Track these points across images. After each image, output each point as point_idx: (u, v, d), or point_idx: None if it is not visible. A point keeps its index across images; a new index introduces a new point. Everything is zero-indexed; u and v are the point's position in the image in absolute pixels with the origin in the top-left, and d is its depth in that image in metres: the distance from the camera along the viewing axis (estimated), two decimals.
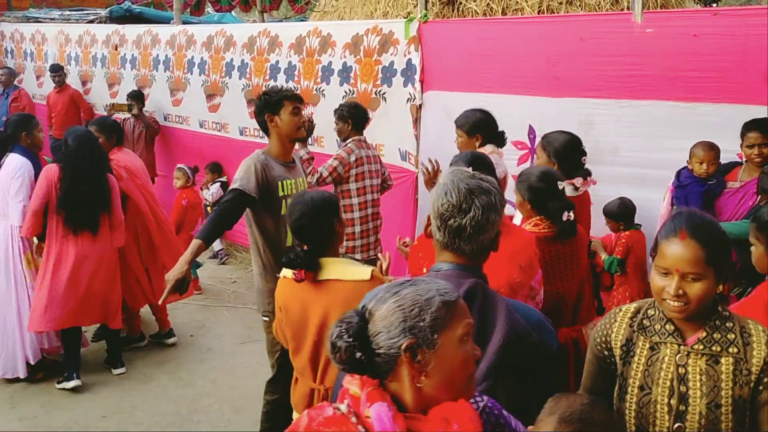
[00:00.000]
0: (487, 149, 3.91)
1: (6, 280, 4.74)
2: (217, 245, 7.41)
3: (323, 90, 6.03)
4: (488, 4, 5.47)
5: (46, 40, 9.84)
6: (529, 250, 2.79)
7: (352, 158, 4.84)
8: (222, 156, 7.23)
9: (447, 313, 1.45)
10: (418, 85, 5.22)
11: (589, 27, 4.33)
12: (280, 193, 3.54)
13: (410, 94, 5.32)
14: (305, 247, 2.72)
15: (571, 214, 3.05)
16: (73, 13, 10.57)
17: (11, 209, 4.66)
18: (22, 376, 4.77)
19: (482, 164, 2.78)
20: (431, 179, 3.90)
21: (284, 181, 3.57)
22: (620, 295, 4.28)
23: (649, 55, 4.06)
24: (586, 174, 3.73)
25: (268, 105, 3.60)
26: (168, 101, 7.81)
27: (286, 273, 2.79)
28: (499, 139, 4.04)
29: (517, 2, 5.39)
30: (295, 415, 2.99)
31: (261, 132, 5.88)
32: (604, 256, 4.25)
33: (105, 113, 8.08)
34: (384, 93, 5.54)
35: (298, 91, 6.16)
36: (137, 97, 7.66)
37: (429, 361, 1.43)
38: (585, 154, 3.74)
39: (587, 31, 4.31)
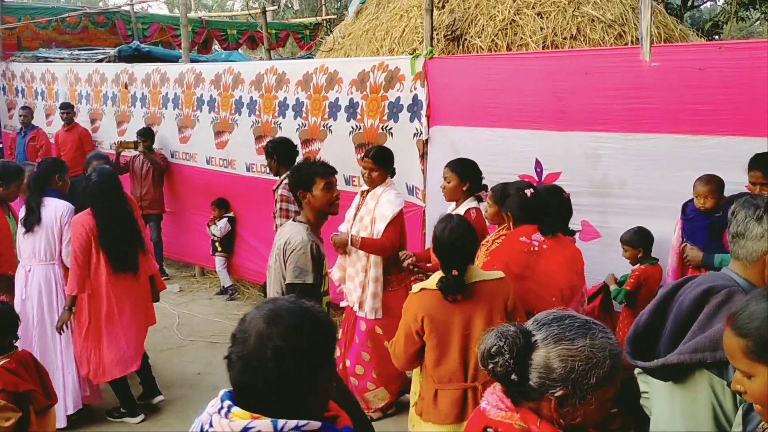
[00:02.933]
0: (388, 182, 4.55)
1: (50, 328, 4.65)
2: (226, 281, 7.41)
3: (330, 126, 6.08)
4: (493, 40, 5.53)
5: (56, 79, 9.97)
6: (581, 258, 3.40)
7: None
8: (229, 192, 7.27)
9: (609, 376, 1.49)
10: (424, 120, 5.26)
11: (595, 62, 4.37)
12: (324, 271, 3.58)
13: (417, 129, 5.35)
14: (455, 273, 2.93)
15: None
16: (83, 52, 10.72)
17: (66, 255, 4.62)
18: (61, 426, 4.59)
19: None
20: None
21: (325, 260, 3.59)
22: (626, 328, 4.24)
23: (655, 88, 4.09)
24: (486, 188, 4.25)
25: (301, 182, 3.58)
26: (176, 138, 7.88)
27: (425, 285, 3.06)
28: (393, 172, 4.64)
29: (521, 38, 5.45)
30: (437, 429, 3.03)
31: (267, 168, 5.96)
32: (612, 286, 4.22)
33: (113, 151, 8.17)
34: (390, 128, 5.58)
35: (306, 127, 6.26)
36: (146, 134, 7.72)
37: (573, 411, 1.49)
38: (482, 174, 4.25)
39: (592, 66, 4.34)
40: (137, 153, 7.70)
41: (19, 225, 4.63)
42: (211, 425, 1.46)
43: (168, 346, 6.00)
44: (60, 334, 4.58)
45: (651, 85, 4.10)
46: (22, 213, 4.67)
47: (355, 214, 4.64)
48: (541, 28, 5.44)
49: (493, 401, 1.56)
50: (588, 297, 4.24)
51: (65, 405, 4.65)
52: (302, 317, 1.48)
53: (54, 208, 4.64)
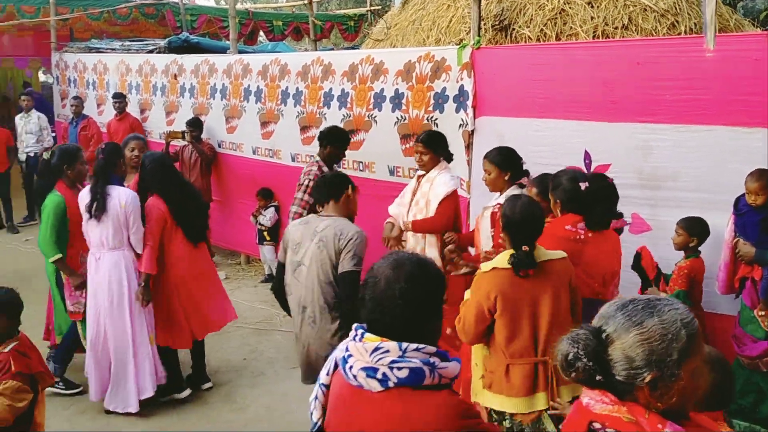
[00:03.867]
0: (443, 165, 4.59)
1: (121, 314, 4.73)
2: (268, 269, 7.51)
3: (375, 116, 6.09)
4: (542, 30, 5.47)
5: (107, 69, 10.20)
6: (620, 245, 3.62)
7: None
8: (274, 182, 7.35)
9: (690, 344, 1.50)
10: (470, 111, 5.23)
11: (647, 51, 4.28)
12: None
13: (462, 120, 5.33)
14: (525, 249, 3.05)
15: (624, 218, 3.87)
16: (134, 43, 10.92)
17: (136, 242, 4.76)
18: (134, 411, 4.73)
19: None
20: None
21: None
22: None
23: (709, 79, 4.00)
24: (528, 175, 4.26)
25: (331, 191, 3.77)
26: (223, 128, 7.99)
27: (496, 264, 3.14)
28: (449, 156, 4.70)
29: (571, 28, 5.37)
30: (513, 403, 3.14)
31: (311, 158, 6.02)
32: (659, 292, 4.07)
33: (161, 141, 8.33)
34: (436, 119, 5.56)
35: (351, 118, 6.29)
36: (195, 124, 7.84)
37: (668, 391, 1.50)
38: (521, 159, 4.23)
39: (645, 56, 4.26)
40: (186, 143, 7.84)
41: (84, 212, 4.72)
42: (347, 350, 1.81)
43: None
44: (144, 306, 4.74)
45: (705, 75, 4.02)
46: (86, 200, 4.72)
47: (411, 199, 4.70)
48: (592, 18, 5.35)
49: (595, 396, 1.57)
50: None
51: (138, 389, 4.74)
52: (420, 265, 1.83)
53: (118, 196, 4.70)
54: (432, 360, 1.72)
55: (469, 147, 5.28)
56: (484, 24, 5.64)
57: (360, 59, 6.28)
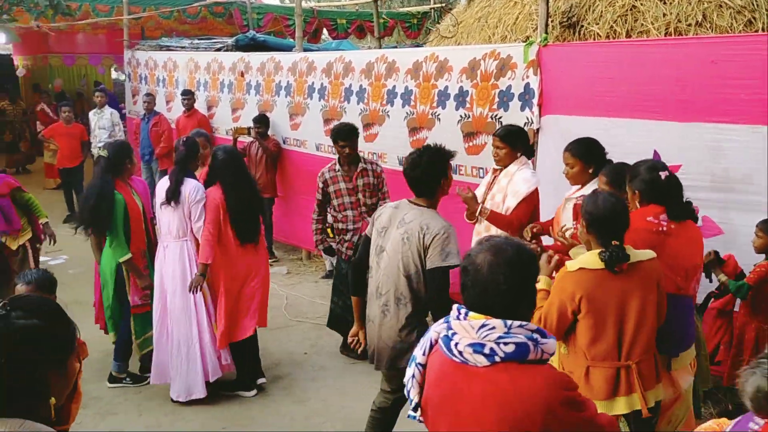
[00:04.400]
0: (522, 160, 4.47)
1: (184, 302, 4.87)
2: (329, 265, 7.58)
3: (438, 114, 6.08)
4: (611, 27, 5.34)
5: (177, 67, 10.49)
6: (702, 238, 3.52)
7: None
8: None
9: None
10: (536, 109, 5.17)
11: (723, 49, 4.15)
12: None
13: (527, 119, 5.27)
14: (615, 243, 2.99)
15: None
16: (202, 41, 11.21)
17: (197, 231, 4.88)
18: (201, 396, 4.86)
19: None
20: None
21: None
22: (749, 335, 4.03)
23: None
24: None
25: (443, 170, 3.57)
26: (287, 125, 8.12)
27: (583, 264, 3.05)
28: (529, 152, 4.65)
29: (642, 24, 5.23)
30: (600, 406, 3.03)
31: (373, 155, 6.07)
32: (723, 278, 3.97)
33: (227, 137, 8.51)
34: (500, 117, 5.51)
35: (414, 116, 6.29)
36: (261, 121, 7.99)
37: None
38: (606, 152, 4.05)
39: (720, 54, 4.12)
40: (252, 139, 7.99)
41: (158, 198, 4.88)
42: (449, 328, 1.95)
43: (276, 325, 6.20)
44: (193, 294, 4.82)
45: None
46: (164, 186, 4.90)
47: (487, 192, 4.58)
48: (664, 14, 5.19)
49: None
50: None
51: (204, 373, 4.88)
52: (519, 250, 1.94)
53: (186, 187, 4.87)
54: (535, 336, 1.85)
55: (534, 145, 5.21)
56: (552, 21, 5.55)
57: (424, 57, 6.27)
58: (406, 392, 2.13)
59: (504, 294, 1.87)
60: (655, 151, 4.45)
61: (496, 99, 5.52)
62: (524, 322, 1.86)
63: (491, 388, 1.85)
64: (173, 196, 4.81)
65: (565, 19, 5.58)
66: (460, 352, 1.89)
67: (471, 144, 5.74)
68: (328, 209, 5.55)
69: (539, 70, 5.12)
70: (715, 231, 4.23)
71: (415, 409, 2.10)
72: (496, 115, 5.53)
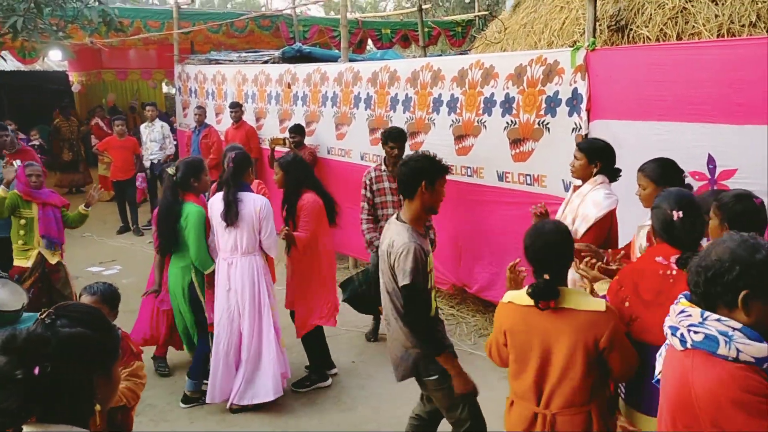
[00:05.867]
0: (597, 180, 4.06)
1: (256, 315, 4.93)
2: None
3: (485, 121, 6.04)
4: (661, 30, 5.25)
5: (225, 80, 10.68)
6: None
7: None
8: None
9: None
10: (584, 114, 5.09)
11: None
12: (428, 268, 3.53)
13: (576, 124, 5.20)
14: (547, 277, 2.80)
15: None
16: (249, 54, 11.38)
17: (268, 246, 5.00)
18: (272, 398, 4.94)
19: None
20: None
21: (429, 257, 3.55)
22: None
23: None
24: (690, 189, 3.60)
25: (427, 173, 3.49)
26: (332, 135, 8.18)
27: (513, 298, 2.95)
28: (613, 174, 4.14)
29: (693, 26, 5.12)
30: None
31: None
32: None
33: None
34: (547, 123, 5.45)
35: (460, 123, 6.27)
36: (297, 131, 8.07)
37: None
38: (683, 172, 3.71)
39: None
40: (288, 149, 8.07)
41: (218, 219, 4.85)
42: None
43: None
44: (261, 311, 4.95)
45: None
46: (219, 207, 4.86)
47: (562, 211, 4.34)
48: (716, 16, 5.08)
49: None
50: None
51: (273, 385, 4.93)
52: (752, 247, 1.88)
53: (252, 203, 4.87)
54: (731, 333, 1.84)
55: None
56: (600, 25, 5.49)
57: (469, 64, 6.25)
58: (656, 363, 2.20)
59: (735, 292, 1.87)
60: (709, 155, 4.34)
61: (543, 105, 5.46)
62: (724, 318, 1.87)
63: (679, 371, 1.95)
64: (233, 217, 4.79)
65: (613, 23, 5.51)
66: (666, 333, 2.04)
67: (518, 151, 5.69)
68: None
69: (587, 74, 5.05)
70: None
71: (657, 383, 2.20)
72: (544, 121, 5.47)
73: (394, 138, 5.84)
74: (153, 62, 16.54)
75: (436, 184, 3.50)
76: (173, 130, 12.02)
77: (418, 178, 3.46)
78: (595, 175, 4.10)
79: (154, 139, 10.66)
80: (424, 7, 10.01)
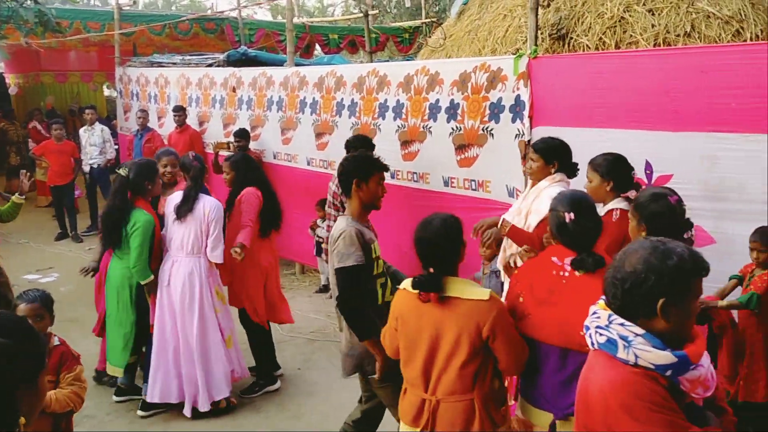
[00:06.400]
0: (556, 177, 4.02)
1: (191, 317, 4.86)
2: (324, 279, 7.55)
3: (430, 127, 6.07)
4: (600, 38, 5.37)
5: (168, 83, 10.48)
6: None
7: None
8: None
9: None
10: (527, 120, 5.16)
11: (712, 59, 4.15)
12: (374, 255, 3.64)
13: (519, 130, 5.26)
14: (431, 270, 2.86)
15: (692, 231, 3.08)
16: (193, 57, 11.20)
17: (212, 249, 4.93)
18: (204, 410, 4.88)
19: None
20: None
21: (374, 244, 3.67)
22: (758, 345, 3.98)
23: None
24: (638, 188, 3.76)
25: (360, 171, 3.69)
26: (278, 140, 8.10)
27: (407, 286, 3.00)
28: (571, 170, 4.11)
29: (631, 36, 5.26)
30: (402, 427, 3.07)
31: None
32: (723, 303, 3.92)
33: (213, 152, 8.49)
34: (491, 129, 5.51)
35: (406, 129, 6.29)
36: (242, 135, 7.96)
37: None
38: (633, 168, 3.80)
39: (710, 64, 4.13)
40: (232, 153, 7.95)
41: (172, 213, 4.86)
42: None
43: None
44: (203, 310, 4.90)
45: None
46: (176, 201, 4.89)
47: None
48: (653, 26, 5.22)
49: None
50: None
51: (209, 391, 4.88)
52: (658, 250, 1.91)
53: (204, 203, 4.89)
54: (631, 339, 1.87)
55: (525, 157, 5.20)
56: (541, 33, 5.57)
57: (415, 70, 6.28)
58: None
59: (646, 299, 1.88)
60: (647, 161, 4.45)
61: (487, 111, 5.52)
62: (628, 323, 1.90)
63: (585, 369, 2.03)
64: (184, 211, 4.81)
65: (554, 31, 5.61)
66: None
67: (463, 156, 5.74)
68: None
69: (529, 81, 5.12)
70: (707, 240, 4.21)
71: None
72: (488, 128, 5.53)
73: (355, 147, 5.74)
74: (94, 64, 16.14)
75: (369, 181, 3.68)
76: (114, 134, 11.73)
77: (349, 178, 3.68)
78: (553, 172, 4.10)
79: (93, 144, 10.39)
80: (371, 13, 10.03)
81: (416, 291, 2.90)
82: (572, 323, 2.72)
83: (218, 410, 4.96)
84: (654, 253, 1.88)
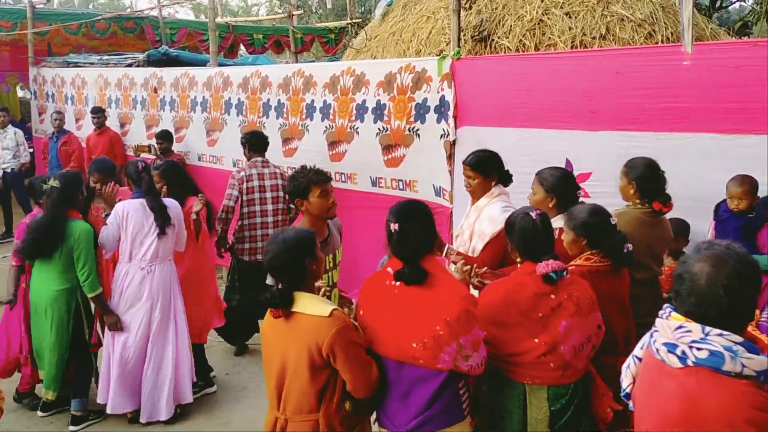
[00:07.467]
0: (494, 192, 3.86)
1: (167, 325, 4.81)
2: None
3: (357, 128, 6.09)
4: (520, 41, 5.51)
5: (86, 83, 10.12)
6: (462, 305, 2.69)
7: (240, 174, 5.81)
8: None
9: None
10: (451, 121, 5.24)
11: (626, 61, 4.32)
12: (329, 265, 3.68)
13: (444, 130, 5.34)
14: (280, 286, 2.73)
15: (630, 245, 3.16)
16: (112, 57, 10.86)
17: (180, 245, 4.98)
18: (164, 419, 4.76)
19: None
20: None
21: (326, 258, 3.66)
22: None
23: (689, 87, 4.03)
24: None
25: (298, 191, 3.76)
26: (203, 142, 7.95)
27: None
28: (507, 178, 3.95)
29: (549, 38, 5.41)
30: None
31: (293, 169, 6.01)
32: None
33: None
34: (417, 129, 5.57)
35: (333, 129, 6.28)
36: (164, 137, 7.79)
37: None
38: (579, 188, 3.73)
39: (624, 65, 4.29)
40: (154, 156, 7.77)
41: (140, 228, 4.69)
42: (655, 326, 1.98)
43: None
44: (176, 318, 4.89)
45: (685, 83, 4.05)
46: (139, 214, 4.69)
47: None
48: (570, 28, 5.40)
49: None
50: None
51: (178, 397, 4.84)
52: (740, 260, 1.84)
53: (173, 210, 4.85)
54: (736, 348, 1.79)
55: (450, 157, 5.28)
56: (464, 35, 5.67)
57: (341, 71, 6.28)
58: (621, 380, 2.17)
59: (723, 308, 1.81)
60: (567, 160, 4.59)
61: (413, 112, 5.57)
62: (726, 332, 1.81)
63: (679, 390, 1.85)
64: (165, 225, 4.74)
65: (476, 33, 5.71)
66: (657, 350, 1.93)
67: (390, 156, 5.78)
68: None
69: (453, 82, 5.21)
70: None
71: (627, 398, 2.17)
72: (414, 128, 5.59)
73: (250, 143, 6.05)
74: (6, 64, 15.38)
75: (309, 197, 3.74)
76: (29, 137, 11.25)
77: (292, 198, 3.82)
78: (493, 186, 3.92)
79: (6, 147, 9.92)
80: (295, 13, 9.98)
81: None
82: (404, 335, 2.69)
83: (135, 419, 4.81)
84: (741, 261, 1.85)
